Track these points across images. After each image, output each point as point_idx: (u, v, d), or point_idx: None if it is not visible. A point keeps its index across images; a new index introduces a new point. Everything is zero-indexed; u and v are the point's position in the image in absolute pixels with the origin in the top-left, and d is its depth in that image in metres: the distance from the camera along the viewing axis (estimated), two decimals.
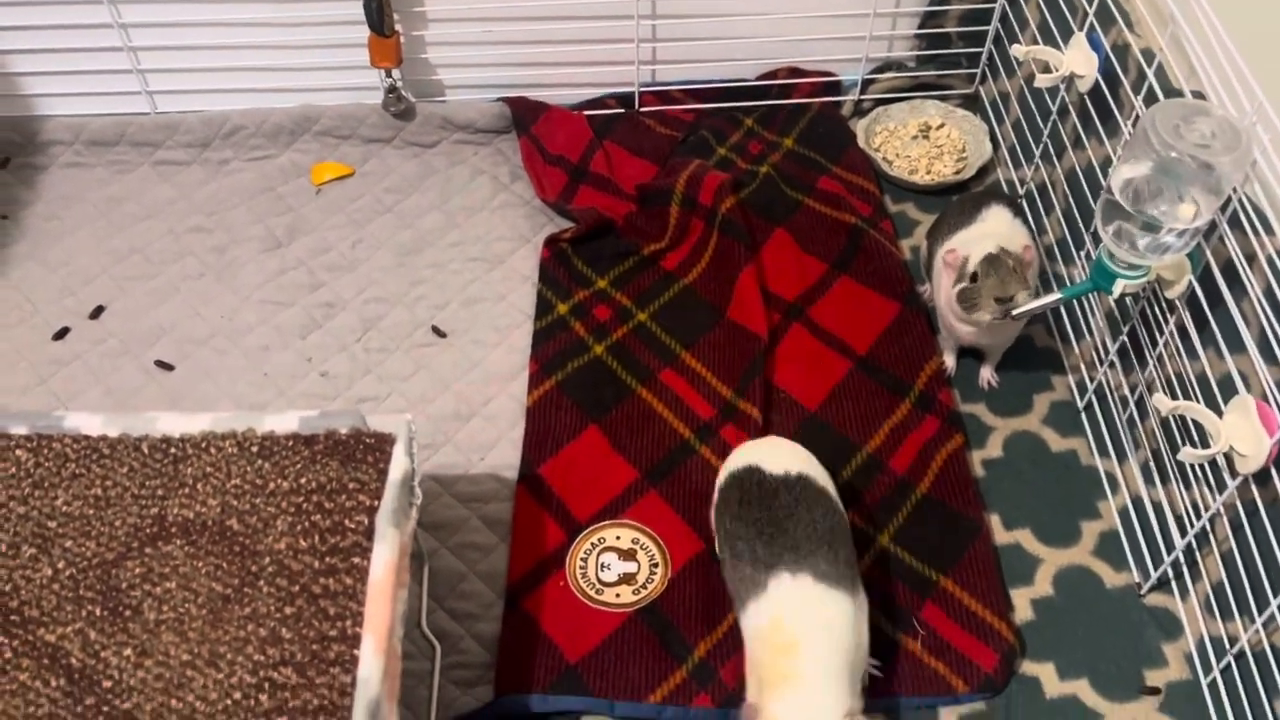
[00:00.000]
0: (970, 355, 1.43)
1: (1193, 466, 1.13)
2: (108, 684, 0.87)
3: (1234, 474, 1.01)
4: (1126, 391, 1.28)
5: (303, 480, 0.98)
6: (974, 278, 1.25)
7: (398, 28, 1.60)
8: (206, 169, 1.68)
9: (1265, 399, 0.98)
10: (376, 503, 0.96)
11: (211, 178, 1.66)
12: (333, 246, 1.57)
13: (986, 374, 1.41)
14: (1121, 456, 1.30)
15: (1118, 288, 1.11)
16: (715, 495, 1.14)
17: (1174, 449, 1.17)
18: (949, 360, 1.41)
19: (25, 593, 0.92)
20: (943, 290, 1.33)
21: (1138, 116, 1.21)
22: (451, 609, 1.19)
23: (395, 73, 1.64)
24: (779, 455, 1.12)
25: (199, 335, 1.45)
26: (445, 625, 1.18)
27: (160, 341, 1.45)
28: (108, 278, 1.53)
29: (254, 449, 1.00)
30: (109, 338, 1.46)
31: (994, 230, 1.33)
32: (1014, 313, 1.21)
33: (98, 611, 0.91)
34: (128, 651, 0.89)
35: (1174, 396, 1.16)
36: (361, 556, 0.93)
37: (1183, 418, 1.13)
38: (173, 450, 1.00)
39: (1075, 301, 1.39)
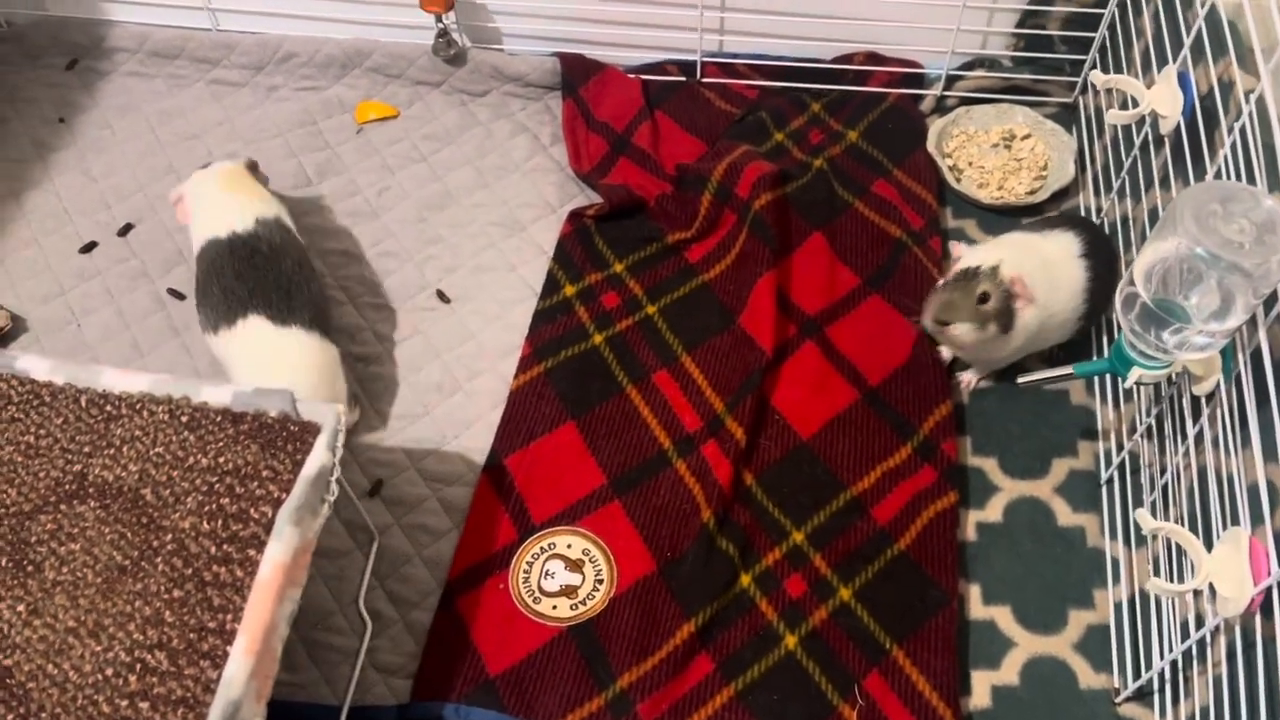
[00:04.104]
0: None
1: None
2: None
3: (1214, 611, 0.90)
4: (1156, 472, 1.15)
5: (221, 459, 0.97)
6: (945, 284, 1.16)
7: None
8: (256, 94, 1.67)
9: (1266, 538, 0.86)
10: (285, 496, 0.94)
11: (259, 103, 1.65)
12: (360, 191, 1.54)
13: (968, 377, 1.32)
14: (1134, 543, 1.18)
15: (1133, 376, 0.99)
16: None
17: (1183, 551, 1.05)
18: (945, 353, 1.33)
19: None
20: None
21: (1219, 173, 1.06)
22: (391, 591, 1.18)
23: (446, 17, 1.58)
24: None
25: None
26: (381, 606, 1.17)
27: (176, 269, 1.46)
28: (142, 196, 1.54)
29: (184, 418, 0.99)
30: (131, 258, 1.48)
31: (1045, 253, 1.21)
32: (1020, 380, 1.10)
33: (3, 562, 0.93)
34: (20, 608, 0.90)
35: (1192, 496, 1.04)
36: (257, 550, 0.92)
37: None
38: (108, 408, 1.00)
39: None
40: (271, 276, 1.24)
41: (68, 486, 0.96)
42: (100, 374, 1.02)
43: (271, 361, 1.21)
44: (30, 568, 0.92)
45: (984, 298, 1.13)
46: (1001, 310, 1.14)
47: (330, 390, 1.23)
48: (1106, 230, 1.36)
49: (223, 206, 1.30)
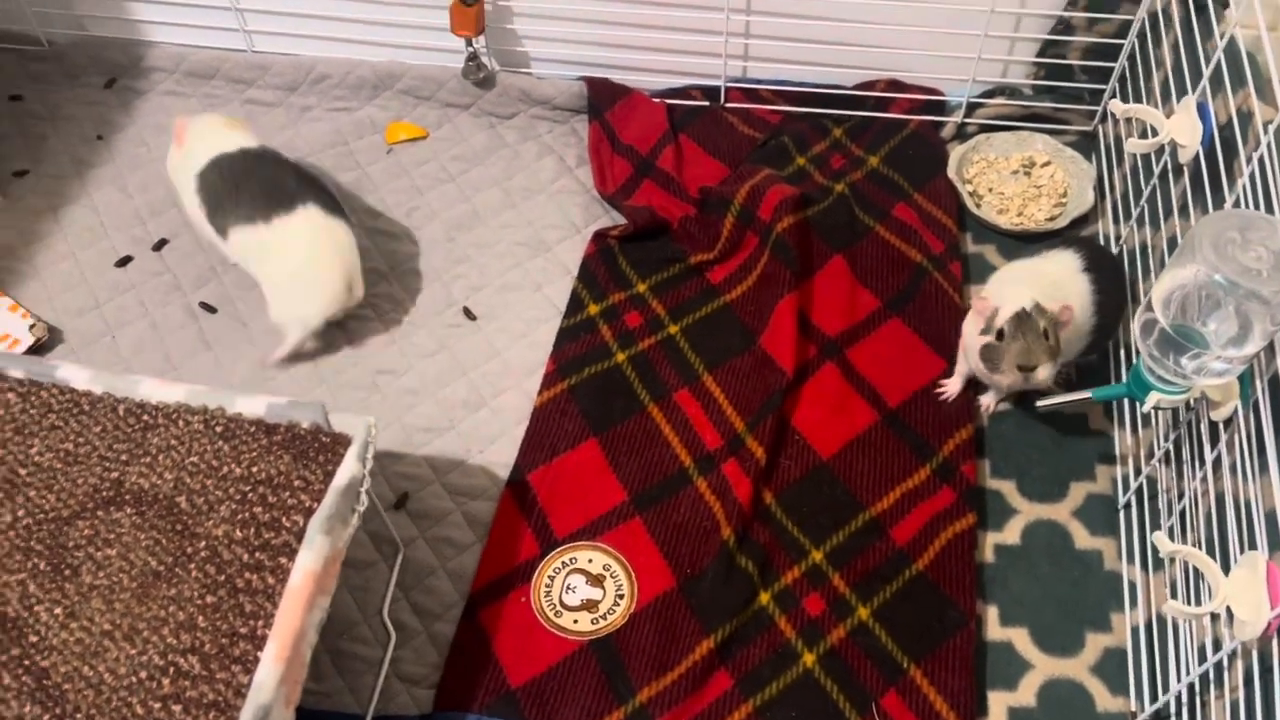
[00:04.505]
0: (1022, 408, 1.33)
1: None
2: (34, 639, 0.91)
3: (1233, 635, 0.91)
4: (1174, 497, 1.16)
5: (254, 469, 0.99)
6: (1000, 335, 1.16)
7: None
8: (289, 114, 1.70)
9: None
10: (316, 505, 0.96)
11: (292, 123, 1.69)
12: (389, 210, 1.57)
13: (988, 401, 1.33)
14: (1151, 567, 1.18)
15: (1150, 400, 1.00)
16: None
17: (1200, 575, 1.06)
18: (955, 384, 1.33)
19: None
20: (967, 330, 1.25)
21: (1237, 202, 1.07)
22: (415, 602, 1.20)
23: (476, 41, 1.62)
24: None
25: (246, 282, 1.49)
26: (405, 618, 1.19)
27: (209, 284, 1.50)
28: (176, 212, 1.57)
29: (218, 428, 1.02)
30: (165, 272, 1.51)
31: (1048, 274, 1.23)
32: (1039, 405, 1.11)
33: (42, 566, 0.95)
34: (58, 611, 0.93)
35: (1210, 521, 1.04)
36: (289, 558, 0.94)
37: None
38: (145, 417, 1.03)
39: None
40: (299, 174, 1.38)
41: (105, 493, 0.99)
42: (138, 384, 1.05)
43: (325, 245, 1.35)
44: (68, 572, 0.95)
45: (1047, 334, 1.15)
46: (1058, 339, 1.17)
47: (357, 270, 1.38)
48: (1125, 257, 1.38)
49: (229, 135, 1.41)
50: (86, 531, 0.97)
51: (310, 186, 1.37)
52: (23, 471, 1.00)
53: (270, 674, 0.87)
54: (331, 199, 1.38)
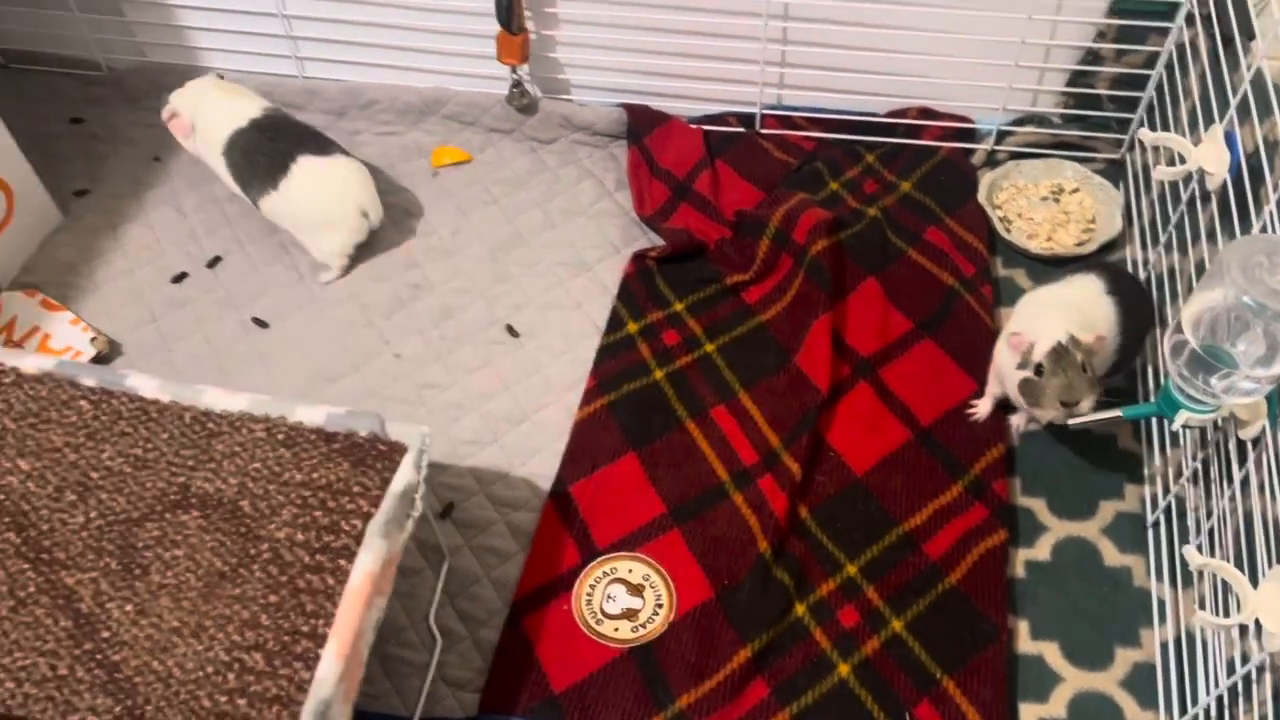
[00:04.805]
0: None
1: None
2: (106, 634, 0.96)
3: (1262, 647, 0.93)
4: (1203, 515, 1.19)
5: (315, 475, 1.04)
6: (1039, 370, 1.18)
7: (529, 25, 1.63)
8: (338, 138, 1.73)
9: None
10: (374, 510, 1.01)
11: None
12: (435, 231, 1.63)
13: (1018, 421, 1.35)
14: (1181, 584, 1.21)
15: (1179, 419, 1.03)
16: None
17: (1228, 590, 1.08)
18: (986, 405, 1.36)
19: (59, 535, 1.02)
20: (1000, 359, 1.28)
21: (1264, 228, 1.10)
22: (460, 609, 1.24)
23: (520, 69, 1.67)
24: None
25: (296, 299, 1.55)
26: (451, 624, 1.23)
27: (261, 300, 1.55)
28: (229, 230, 1.64)
29: (280, 436, 1.07)
30: (219, 288, 1.57)
31: (1073, 300, 1.26)
32: (1070, 423, 1.14)
33: (113, 565, 1.00)
34: (129, 608, 0.97)
35: (1238, 539, 1.07)
36: (348, 560, 0.98)
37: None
38: (210, 425, 1.08)
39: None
40: (296, 130, 1.54)
41: (172, 497, 1.04)
42: (202, 393, 1.10)
43: (330, 187, 1.51)
44: (138, 571, 0.99)
45: (1084, 367, 1.18)
46: (1094, 369, 1.19)
47: (372, 198, 1.55)
48: (1153, 282, 1.41)
49: (232, 107, 1.56)
50: (155, 533, 1.01)
51: (300, 138, 1.52)
52: (95, 475, 1.05)
53: (331, 670, 0.91)
54: (321, 144, 1.53)
